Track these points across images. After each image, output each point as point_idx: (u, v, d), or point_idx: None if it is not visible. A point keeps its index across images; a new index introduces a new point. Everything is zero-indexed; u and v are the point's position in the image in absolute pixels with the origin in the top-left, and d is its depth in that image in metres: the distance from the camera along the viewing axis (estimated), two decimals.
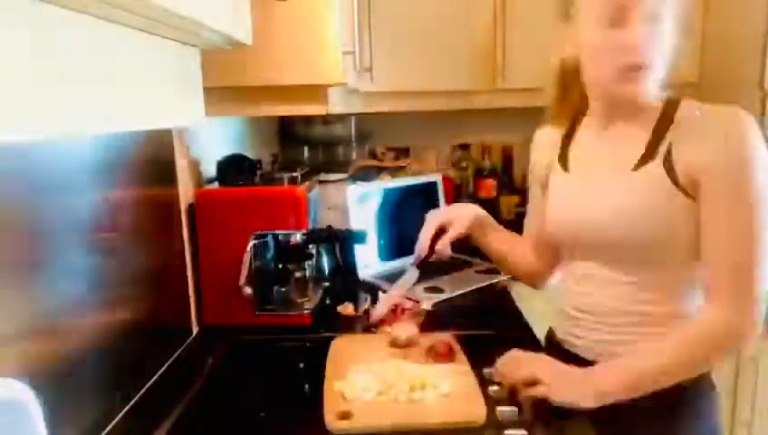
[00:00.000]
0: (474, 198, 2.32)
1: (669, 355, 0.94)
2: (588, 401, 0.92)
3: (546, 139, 1.22)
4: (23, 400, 0.52)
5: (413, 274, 1.23)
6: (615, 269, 1.01)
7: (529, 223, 1.27)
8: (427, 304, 1.49)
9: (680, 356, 0.94)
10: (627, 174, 0.98)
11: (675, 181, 0.93)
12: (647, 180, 0.95)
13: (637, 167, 0.97)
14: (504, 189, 2.39)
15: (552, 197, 1.12)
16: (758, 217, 0.89)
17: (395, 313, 1.44)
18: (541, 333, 1.40)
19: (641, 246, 0.97)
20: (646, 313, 1.00)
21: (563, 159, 1.12)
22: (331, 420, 0.96)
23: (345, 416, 0.96)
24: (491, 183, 2.36)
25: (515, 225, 2.22)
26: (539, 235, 1.20)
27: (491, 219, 1.26)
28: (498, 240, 1.26)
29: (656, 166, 0.95)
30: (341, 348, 1.22)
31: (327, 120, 2.18)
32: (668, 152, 0.94)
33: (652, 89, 0.95)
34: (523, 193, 2.37)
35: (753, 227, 0.89)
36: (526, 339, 1.33)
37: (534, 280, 1.28)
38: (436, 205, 1.97)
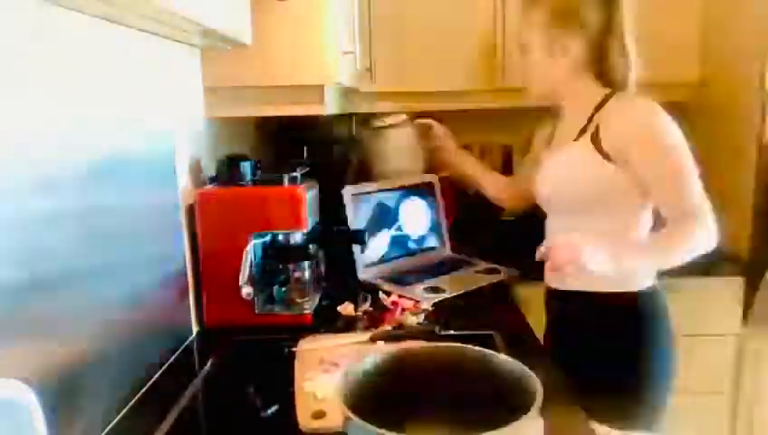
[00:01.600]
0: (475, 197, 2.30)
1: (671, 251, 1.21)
2: (610, 267, 1.16)
3: (544, 131, 1.56)
4: (23, 400, 0.52)
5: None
6: (570, 220, 1.33)
7: (521, 170, 1.70)
8: (426, 304, 1.49)
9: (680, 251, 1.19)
10: (568, 146, 1.32)
11: (600, 152, 1.24)
12: (578, 151, 1.28)
13: (575, 140, 1.30)
14: None
15: (540, 169, 1.42)
16: (677, 158, 1.20)
17: (394, 310, 1.44)
18: (540, 333, 1.41)
19: (579, 199, 1.30)
20: None
21: (551, 137, 1.46)
22: (304, 420, 0.96)
23: (319, 415, 0.97)
24: None
25: (516, 225, 2.22)
26: (520, 182, 1.63)
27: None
28: (474, 165, 1.77)
29: (585, 139, 1.27)
30: (308, 348, 1.22)
31: (327, 120, 2.18)
32: (596, 130, 1.26)
33: (532, 93, 1.41)
34: None
35: (677, 166, 1.20)
36: (526, 339, 1.33)
37: (499, 202, 1.74)
38: (434, 205, 1.97)
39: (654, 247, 1.25)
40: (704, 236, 1.18)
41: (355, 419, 0.69)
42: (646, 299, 1.31)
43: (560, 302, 1.41)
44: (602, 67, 1.30)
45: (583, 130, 1.29)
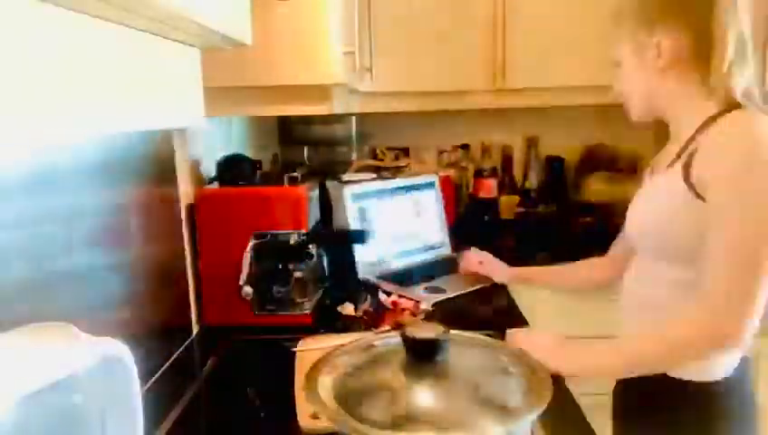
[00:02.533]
0: (474, 198, 2.31)
1: (651, 349, 1.01)
2: (580, 372, 1.03)
3: None
4: (124, 357, 0.57)
5: None
6: (655, 268, 1.07)
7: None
8: (426, 304, 1.49)
9: (659, 352, 1.00)
10: (658, 175, 1.09)
11: (690, 185, 0.97)
12: (665, 182, 1.04)
13: (666, 169, 1.05)
14: (504, 189, 2.38)
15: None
16: (758, 231, 0.92)
17: (394, 311, 1.44)
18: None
19: (664, 243, 1.04)
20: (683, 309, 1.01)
21: (655, 163, 1.19)
22: (304, 420, 0.96)
23: (318, 415, 0.97)
24: (491, 183, 2.34)
25: (516, 225, 2.22)
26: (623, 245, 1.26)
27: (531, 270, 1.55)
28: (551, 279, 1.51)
29: (676, 170, 1.01)
30: (308, 350, 1.22)
31: (327, 120, 2.18)
32: (690, 157, 0.99)
33: (631, 110, 1.14)
34: (523, 193, 2.38)
35: (754, 239, 0.92)
36: None
37: (596, 286, 1.39)
38: (433, 205, 1.97)
39: (635, 345, 1.04)
40: (698, 345, 0.95)
41: (350, 419, 0.70)
42: (720, 392, 1.04)
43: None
44: (707, 74, 1.02)
45: (678, 157, 1.03)
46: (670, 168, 1.03)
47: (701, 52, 1.01)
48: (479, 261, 1.61)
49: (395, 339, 0.81)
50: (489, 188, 2.33)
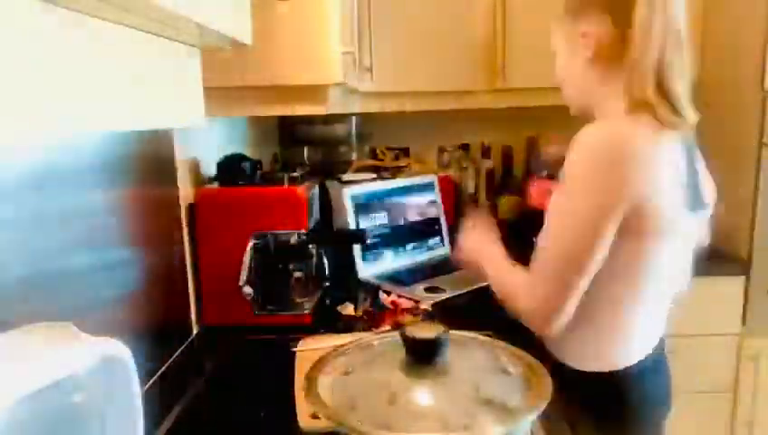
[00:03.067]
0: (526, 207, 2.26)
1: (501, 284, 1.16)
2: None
3: None
4: (124, 357, 0.57)
5: None
6: None
7: None
8: (426, 304, 1.49)
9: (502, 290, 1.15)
10: None
11: None
12: None
13: None
14: (505, 190, 2.38)
15: None
16: (559, 199, 1.01)
17: (394, 311, 1.44)
18: None
19: None
20: None
21: None
22: (304, 419, 0.96)
23: (318, 415, 0.97)
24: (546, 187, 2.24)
25: (516, 225, 2.21)
26: None
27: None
28: None
29: None
30: (307, 350, 1.22)
31: (327, 120, 2.18)
32: None
33: (568, 102, 1.16)
34: (522, 193, 2.38)
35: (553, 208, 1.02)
36: (526, 339, 1.33)
37: None
38: (433, 205, 1.97)
39: (501, 269, 1.17)
40: (522, 299, 1.07)
41: (349, 419, 0.70)
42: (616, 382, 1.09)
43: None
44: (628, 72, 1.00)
45: None
46: None
47: (622, 45, 0.99)
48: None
49: (394, 339, 0.81)
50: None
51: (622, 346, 1.09)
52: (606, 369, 1.08)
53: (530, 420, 0.70)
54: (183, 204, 1.36)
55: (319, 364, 0.83)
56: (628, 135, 0.95)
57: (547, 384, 0.75)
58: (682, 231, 1.03)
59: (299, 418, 0.97)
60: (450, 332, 0.79)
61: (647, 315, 1.09)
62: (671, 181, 0.98)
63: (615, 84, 1.02)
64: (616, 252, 0.97)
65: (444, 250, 1.95)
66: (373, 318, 1.43)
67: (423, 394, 0.76)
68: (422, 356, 0.78)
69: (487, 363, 0.83)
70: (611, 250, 0.97)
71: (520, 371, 0.80)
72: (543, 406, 0.70)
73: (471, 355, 0.84)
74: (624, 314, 1.07)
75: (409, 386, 0.77)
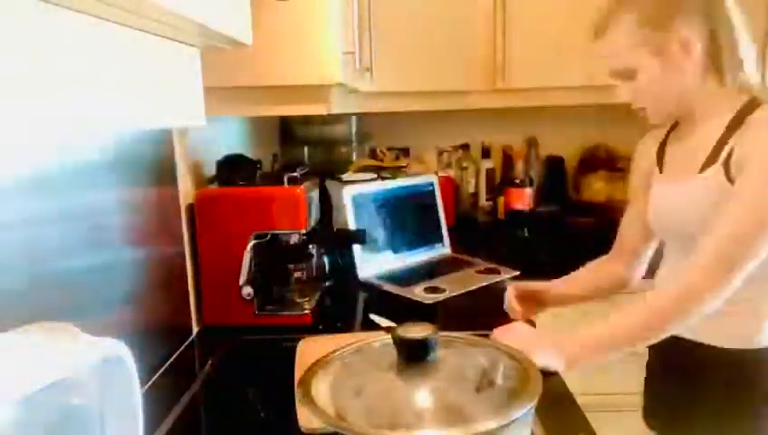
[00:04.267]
0: (508, 211, 2.27)
1: (639, 320, 1.03)
2: (559, 365, 1.02)
3: (647, 147, 1.24)
4: (124, 356, 0.57)
5: None
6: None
7: (627, 228, 1.30)
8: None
9: (647, 321, 1.02)
10: (693, 177, 1.05)
11: (731, 181, 0.99)
12: (706, 185, 1.03)
13: (701, 170, 1.04)
14: (511, 186, 2.37)
15: (652, 196, 1.17)
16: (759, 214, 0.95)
17: None
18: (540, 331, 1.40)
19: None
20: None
21: (660, 162, 1.18)
22: (304, 419, 0.96)
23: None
24: (526, 193, 2.25)
25: (516, 225, 2.20)
26: (636, 237, 1.26)
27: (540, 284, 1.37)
28: (571, 287, 1.35)
29: (716, 170, 1.01)
30: (308, 350, 1.22)
31: (327, 120, 2.18)
32: (729, 155, 0.99)
33: (657, 117, 1.10)
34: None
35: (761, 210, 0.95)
36: None
37: (624, 287, 1.31)
38: (433, 205, 1.97)
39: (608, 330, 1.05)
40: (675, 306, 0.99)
41: (342, 422, 0.70)
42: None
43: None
44: (723, 68, 1.02)
45: (712, 159, 1.02)
46: (703, 173, 1.03)
47: (716, 44, 1.01)
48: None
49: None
50: (525, 198, 2.24)
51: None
52: (751, 346, 1.06)
53: (520, 415, 0.70)
54: (183, 204, 1.36)
55: (315, 366, 0.83)
56: None
57: (537, 382, 0.75)
58: None
59: (299, 418, 0.97)
60: (441, 332, 0.79)
61: None
62: None
63: (712, 81, 1.03)
64: None
65: (444, 250, 1.95)
66: None
67: (417, 394, 0.77)
68: (414, 356, 0.78)
69: (479, 362, 0.83)
70: None
71: (512, 370, 0.80)
72: (534, 403, 0.71)
73: (463, 355, 0.85)
74: None
75: (403, 386, 0.78)
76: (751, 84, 1.02)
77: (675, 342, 1.06)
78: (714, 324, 1.03)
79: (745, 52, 1.02)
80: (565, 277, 1.35)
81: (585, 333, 1.06)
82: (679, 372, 1.14)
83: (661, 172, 1.16)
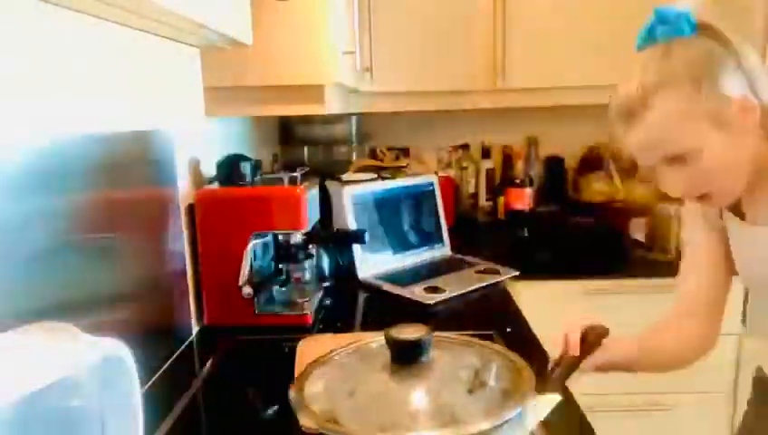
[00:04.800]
0: (508, 211, 2.26)
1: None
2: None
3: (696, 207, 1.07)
4: (123, 355, 0.57)
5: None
6: None
7: (694, 278, 1.08)
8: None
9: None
10: None
11: None
12: None
13: None
14: (511, 185, 2.37)
15: (740, 244, 1.01)
16: None
17: None
18: (540, 331, 1.40)
19: None
20: None
21: (736, 211, 1.00)
22: (304, 420, 0.97)
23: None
24: (526, 193, 2.25)
25: (515, 225, 2.19)
26: (709, 287, 1.06)
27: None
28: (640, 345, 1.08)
29: None
30: (308, 349, 1.22)
31: (327, 120, 2.18)
32: None
33: (726, 199, 0.93)
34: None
35: None
36: (526, 339, 1.33)
37: (702, 350, 1.08)
38: (433, 205, 1.97)
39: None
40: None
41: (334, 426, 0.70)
42: None
43: None
44: None
45: None
46: None
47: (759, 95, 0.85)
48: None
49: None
50: (524, 198, 2.24)
51: None
52: None
53: (514, 416, 0.70)
54: (183, 204, 1.36)
55: (310, 368, 0.84)
56: None
57: (531, 382, 0.75)
58: None
59: (299, 417, 0.97)
60: (435, 333, 0.80)
61: None
62: None
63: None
64: None
65: (444, 250, 1.95)
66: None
67: (408, 395, 0.77)
68: (406, 357, 0.79)
69: (473, 363, 0.84)
70: None
71: (505, 371, 0.81)
72: (527, 402, 0.71)
73: (456, 356, 0.85)
74: None
75: (395, 387, 0.79)
76: None
77: None
78: None
79: None
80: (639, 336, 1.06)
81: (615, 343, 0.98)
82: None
83: (743, 220, 0.98)
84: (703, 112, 0.83)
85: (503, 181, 2.39)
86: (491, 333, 1.30)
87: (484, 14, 2.04)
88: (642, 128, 0.87)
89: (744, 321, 1.93)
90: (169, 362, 1.23)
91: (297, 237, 1.43)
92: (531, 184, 2.26)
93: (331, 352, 0.89)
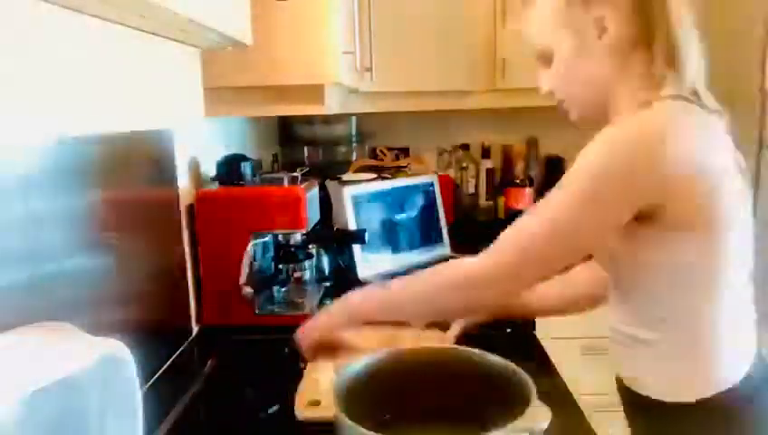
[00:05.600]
0: (508, 211, 2.28)
1: (418, 288, 0.96)
2: (341, 318, 0.94)
3: None
4: (123, 356, 0.58)
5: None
6: None
7: None
8: None
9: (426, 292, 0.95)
10: None
11: None
12: None
13: None
14: (511, 186, 2.37)
15: None
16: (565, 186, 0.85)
17: None
18: (540, 331, 1.40)
19: None
20: None
21: None
22: (299, 406, 0.97)
23: (314, 403, 0.98)
24: (526, 192, 2.26)
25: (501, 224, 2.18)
26: None
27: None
28: (542, 296, 1.14)
29: None
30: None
31: (327, 120, 2.18)
32: None
33: (574, 112, 1.00)
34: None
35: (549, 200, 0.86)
36: (526, 339, 1.33)
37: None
38: (433, 205, 1.97)
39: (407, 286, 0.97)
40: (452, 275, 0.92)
41: (343, 417, 0.70)
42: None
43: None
44: (650, 60, 0.88)
45: None
46: None
47: (643, 32, 0.87)
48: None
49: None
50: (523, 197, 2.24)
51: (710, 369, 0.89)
52: (692, 399, 0.88)
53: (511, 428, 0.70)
54: (183, 204, 1.36)
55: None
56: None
57: (529, 389, 0.75)
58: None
59: (296, 406, 0.98)
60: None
61: (733, 326, 0.89)
62: None
63: (635, 77, 0.89)
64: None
65: (444, 250, 1.95)
66: None
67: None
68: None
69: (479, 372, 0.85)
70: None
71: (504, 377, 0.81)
72: (523, 412, 0.71)
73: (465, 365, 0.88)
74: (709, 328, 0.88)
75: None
76: (683, 88, 0.88)
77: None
78: (647, 373, 0.93)
79: (684, 54, 0.89)
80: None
81: (373, 288, 1.00)
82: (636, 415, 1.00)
83: None
84: (566, 19, 0.91)
85: (503, 181, 2.39)
86: (491, 333, 1.30)
87: (484, 14, 2.04)
88: (525, 20, 1.00)
89: None
90: (169, 362, 1.23)
91: (297, 237, 1.43)
92: (531, 184, 2.26)
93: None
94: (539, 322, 1.44)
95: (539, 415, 0.70)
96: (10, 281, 0.75)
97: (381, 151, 2.35)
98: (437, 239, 1.95)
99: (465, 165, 2.41)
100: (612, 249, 0.91)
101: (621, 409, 1.08)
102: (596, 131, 0.84)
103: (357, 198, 1.77)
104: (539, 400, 0.73)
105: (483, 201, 2.42)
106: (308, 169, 1.59)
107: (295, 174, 1.46)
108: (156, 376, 1.16)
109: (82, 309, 0.92)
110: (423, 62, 2.04)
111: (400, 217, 1.88)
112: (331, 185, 1.85)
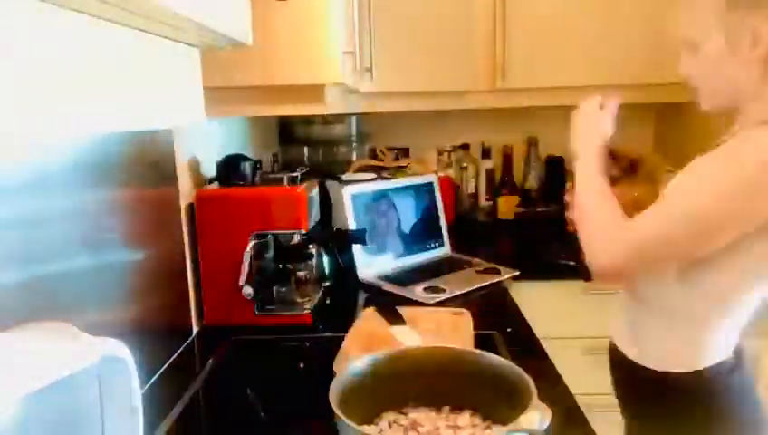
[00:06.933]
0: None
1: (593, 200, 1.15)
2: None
3: None
4: (123, 355, 0.58)
5: None
6: None
7: None
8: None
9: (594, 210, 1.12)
10: None
11: None
12: None
13: None
14: (505, 189, 2.38)
15: None
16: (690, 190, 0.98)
17: None
18: (540, 331, 1.40)
19: None
20: None
21: None
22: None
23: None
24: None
25: (515, 225, 2.20)
26: None
27: None
28: None
29: None
30: (369, 319, 1.24)
31: (327, 120, 2.18)
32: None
33: (706, 102, 1.06)
34: (523, 193, 2.38)
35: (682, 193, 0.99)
36: (526, 339, 1.33)
37: None
38: (433, 205, 1.97)
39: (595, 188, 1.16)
40: (596, 245, 1.04)
41: (340, 415, 0.70)
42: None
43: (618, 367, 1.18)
44: None
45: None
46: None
47: None
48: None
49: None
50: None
51: (709, 344, 1.05)
52: (690, 369, 1.04)
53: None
54: (183, 204, 1.36)
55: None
56: None
57: (529, 389, 0.75)
58: None
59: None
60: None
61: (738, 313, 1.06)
62: None
63: None
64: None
65: (444, 250, 1.95)
66: None
67: None
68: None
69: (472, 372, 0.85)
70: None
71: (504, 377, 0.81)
72: (524, 412, 0.71)
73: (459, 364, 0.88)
74: (725, 314, 1.04)
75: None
76: None
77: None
78: (654, 346, 1.08)
79: None
80: None
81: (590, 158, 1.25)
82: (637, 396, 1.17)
83: None
84: (723, 23, 0.97)
85: (503, 181, 2.39)
86: (491, 333, 1.30)
87: (484, 14, 2.04)
88: (683, 8, 1.04)
89: None
90: (169, 362, 1.23)
91: (297, 237, 1.43)
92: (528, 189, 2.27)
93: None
94: (539, 322, 1.44)
95: (539, 415, 0.70)
96: (10, 281, 0.75)
97: (381, 151, 2.35)
98: (437, 239, 1.95)
99: (464, 165, 2.41)
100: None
101: (621, 409, 1.11)
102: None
103: (357, 198, 1.77)
104: (539, 400, 0.73)
105: (483, 201, 2.42)
106: (308, 169, 1.59)
107: (295, 174, 1.46)
108: (156, 376, 1.16)
109: (82, 309, 0.92)
110: (423, 62, 2.04)
111: (400, 217, 1.88)
112: (331, 185, 1.85)
